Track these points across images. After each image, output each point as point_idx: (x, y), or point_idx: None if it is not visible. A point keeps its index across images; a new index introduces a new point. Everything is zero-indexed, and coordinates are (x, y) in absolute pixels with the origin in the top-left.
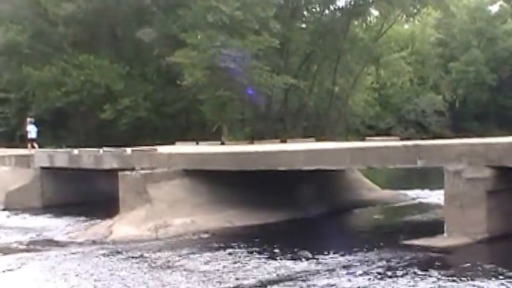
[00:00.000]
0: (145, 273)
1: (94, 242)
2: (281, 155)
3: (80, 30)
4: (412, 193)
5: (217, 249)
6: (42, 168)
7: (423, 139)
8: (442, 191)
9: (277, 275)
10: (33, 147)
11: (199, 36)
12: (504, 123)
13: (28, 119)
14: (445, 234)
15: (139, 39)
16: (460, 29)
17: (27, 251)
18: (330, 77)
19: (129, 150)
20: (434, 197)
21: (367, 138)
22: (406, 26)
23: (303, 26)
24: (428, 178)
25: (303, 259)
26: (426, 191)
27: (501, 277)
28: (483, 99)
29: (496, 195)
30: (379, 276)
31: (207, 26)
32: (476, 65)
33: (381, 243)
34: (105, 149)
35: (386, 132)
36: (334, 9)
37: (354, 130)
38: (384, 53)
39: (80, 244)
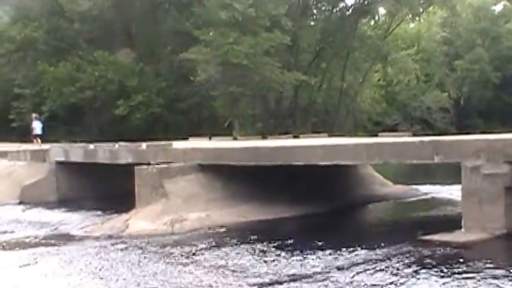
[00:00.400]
0: (164, 268)
1: (110, 237)
2: (298, 150)
3: (95, 26)
4: (423, 188)
5: (234, 244)
6: (58, 162)
7: (428, 135)
8: (453, 187)
9: (297, 270)
10: (37, 142)
11: (211, 33)
12: (508, 121)
13: (33, 115)
14: (462, 230)
15: (153, 35)
16: (465, 28)
17: (44, 245)
18: (339, 74)
19: (144, 145)
20: (446, 192)
21: (380, 133)
22: (411, 25)
23: (313, 23)
24: (435, 174)
25: (322, 254)
26: (437, 187)
27: None
28: (487, 96)
29: None
30: (401, 272)
31: (220, 23)
32: (481, 63)
33: (400, 238)
34: (121, 143)
35: (393, 129)
36: (343, 7)
37: (361, 126)
38: (392, 51)
39: (97, 238)
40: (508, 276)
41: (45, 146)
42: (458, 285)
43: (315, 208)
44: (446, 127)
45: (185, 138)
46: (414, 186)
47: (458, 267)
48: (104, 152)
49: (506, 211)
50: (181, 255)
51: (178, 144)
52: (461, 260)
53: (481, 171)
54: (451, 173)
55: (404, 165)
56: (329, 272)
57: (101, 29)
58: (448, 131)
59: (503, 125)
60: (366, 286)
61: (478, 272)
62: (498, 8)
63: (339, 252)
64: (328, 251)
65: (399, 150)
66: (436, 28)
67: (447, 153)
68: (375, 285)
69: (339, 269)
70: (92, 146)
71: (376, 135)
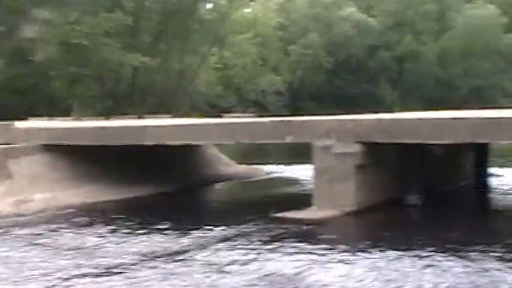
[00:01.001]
0: (9, 249)
1: None
2: (148, 129)
3: None
4: (266, 168)
5: (83, 224)
6: None
7: (263, 117)
8: (295, 166)
9: (150, 250)
10: None
11: (45, 13)
12: (340, 103)
13: None
14: (314, 207)
15: None
16: (299, 14)
17: None
18: (177, 56)
19: None
20: (289, 172)
21: (224, 114)
22: (248, 10)
23: (154, 5)
24: (269, 153)
25: (174, 233)
26: (280, 166)
27: (369, 246)
28: (319, 80)
29: (364, 169)
30: (257, 249)
31: (60, 2)
32: (314, 48)
33: (252, 216)
34: None
35: (228, 111)
36: None
37: (197, 108)
38: (229, 35)
39: None
40: (356, 249)
41: None
42: (312, 260)
43: (164, 188)
44: (280, 110)
45: (24, 119)
46: (257, 166)
47: (311, 243)
48: None
49: (356, 189)
50: (32, 237)
51: (20, 124)
52: (314, 236)
53: (332, 150)
54: (286, 153)
55: (241, 145)
56: (186, 252)
57: None
58: (281, 114)
59: (335, 108)
60: (222, 264)
61: (329, 246)
62: None
63: (191, 230)
64: (180, 230)
65: (251, 130)
66: (271, 14)
67: (299, 133)
68: (231, 263)
69: (196, 248)
70: None
71: (220, 116)
